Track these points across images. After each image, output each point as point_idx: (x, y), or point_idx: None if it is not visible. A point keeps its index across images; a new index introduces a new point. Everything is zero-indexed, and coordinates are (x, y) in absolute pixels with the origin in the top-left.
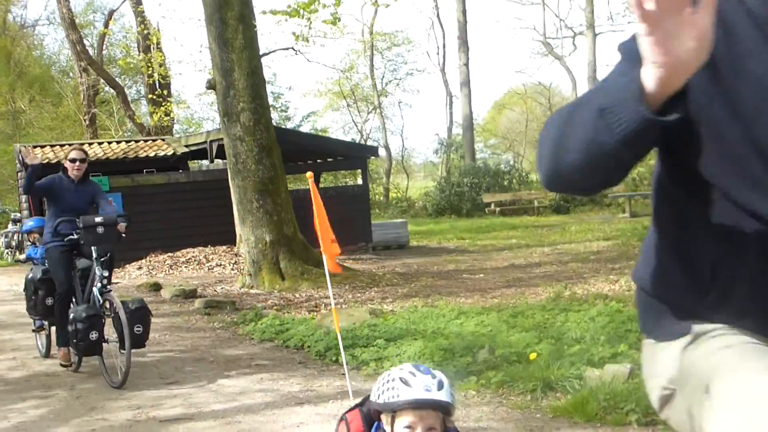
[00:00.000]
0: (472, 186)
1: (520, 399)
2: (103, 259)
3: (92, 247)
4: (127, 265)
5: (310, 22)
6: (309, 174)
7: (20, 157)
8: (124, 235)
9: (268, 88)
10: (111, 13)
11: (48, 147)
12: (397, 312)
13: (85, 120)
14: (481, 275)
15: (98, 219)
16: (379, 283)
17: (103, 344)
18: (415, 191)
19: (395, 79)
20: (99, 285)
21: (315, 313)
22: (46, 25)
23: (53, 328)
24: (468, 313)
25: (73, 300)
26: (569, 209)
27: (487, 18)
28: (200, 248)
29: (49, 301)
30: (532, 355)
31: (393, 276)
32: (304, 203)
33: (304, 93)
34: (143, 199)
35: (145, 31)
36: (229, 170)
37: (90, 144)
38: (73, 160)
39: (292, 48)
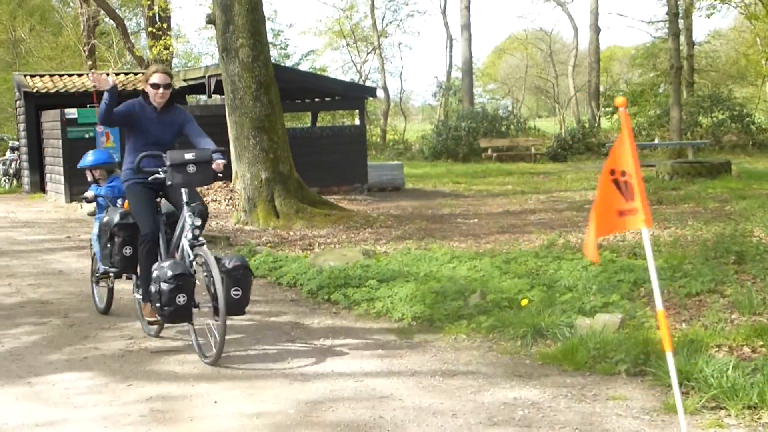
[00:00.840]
0: (469, 130)
1: (510, 344)
2: (194, 204)
3: (182, 190)
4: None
5: None
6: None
7: (18, 86)
8: (221, 174)
9: (268, 24)
10: None
11: (47, 76)
12: (390, 254)
13: (84, 51)
14: (475, 220)
15: (189, 155)
16: (373, 225)
17: (194, 309)
18: (413, 134)
19: (396, 19)
20: (189, 236)
21: (308, 252)
22: None
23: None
24: (461, 257)
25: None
26: (566, 157)
27: None
28: None
29: (128, 250)
30: (524, 302)
31: (387, 218)
32: (300, 141)
33: (303, 31)
34: None
35: None
36: (226, 106)
37: (89, 74)
38: (155, 86)
39: None
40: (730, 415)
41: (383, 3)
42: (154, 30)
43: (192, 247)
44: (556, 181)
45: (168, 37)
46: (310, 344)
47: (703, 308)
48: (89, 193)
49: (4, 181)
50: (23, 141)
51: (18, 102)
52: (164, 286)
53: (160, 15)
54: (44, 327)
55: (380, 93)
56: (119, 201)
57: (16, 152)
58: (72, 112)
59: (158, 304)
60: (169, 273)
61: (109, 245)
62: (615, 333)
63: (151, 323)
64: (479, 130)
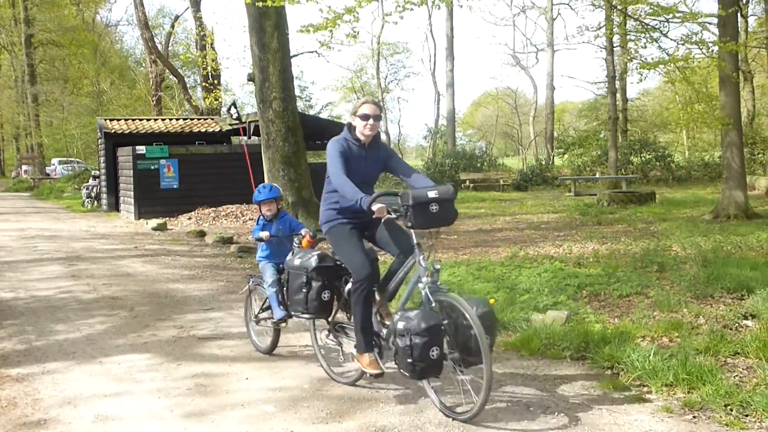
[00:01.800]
0: (452, 166)
1: None
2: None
3: (412, 231)
4: (180, 216)
5: (332, 34)
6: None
7: (100, 128)
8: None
9: (296, 82)
10: (176, 17)
11: (123, 120)
12: (386, 263)
13: (152, 101)
14: (455, 236)
15: (432, 193)
16: None
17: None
18: None
19: (395, 79)
20: (428, 280)
21: None
22: (126, 24)
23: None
24: (443, 265)
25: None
26: (527, 187)
27: (469, 34)
28: (237, 205)
29: (326, 295)
30: (491, 301)
31: None
32: (320, 173)
33: (323, 87)
34: (195, 165)
35: (202, 33)
36: (262, 145)
37: (156, 120)
38: (365, 117)
39: (316, 52)
40: (651, 392)
41: (386, 66)
42: (207, 85)
43: (432, 291)
44: (519, 206)
45: (218, 91)
46: (323, 332)
47: (631, 307)
48: (264, 234)
49: (87, 202)
50: (102, 170)
51: (99, 140)
52: (416, 339)
53: (212, 73)
54: (113, 318)
55: (383, 136)
56: (291, 239)
57: (97, 180)
58: (141, 149)
59: (409, 360)
60: (422, 325)
61: (304, 290)
62: (562, 326)
63: (373, 375)
64: (460, 165)
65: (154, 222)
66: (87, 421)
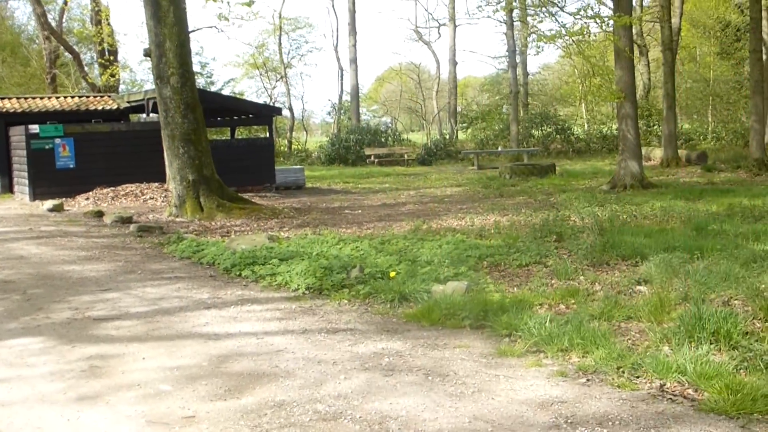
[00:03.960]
0: (356, 141)
1: (381, 307)
2: None
3: None
4: (78, 197)
5: (229, 5)
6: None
7: None
8: None
9: (196, 58)
10: None
11: (15, 99)
12: (290, 238)
13: (47, 79)
14: (359, 211)
15: None
16: (278, 216)
17: None
18: (312, 144)
19: (298, 54)
20: None
21: (226, 238)
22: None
23: None
24: (346, 240)
25: None
26: (432, 162)
27: (372, 9)
28: (137, 184)
29: None
30: (392, 274)
31: (290, 210)
32: (221, 150)
33: (225, 63)
34: (92, 143)
35: (97, 8)
36: (161, 122)
37: (50, 98)
38: None
39: (216, 27)
40: (547, 357)
41: (288, 42)
42: (103, 61)
43: None
44: (423, 180)
45: (115, 67)
46: (224, 310)
47: (530, 276)
48: None
49: None
50: None
51: None
52: None
53: (108, 49)
54: (5, 301)
55: (286, 112)
56: None
57: None
58: (35, 128)
59: None
60: None
61: None
62: (462, 296)
63: None
64: (364, 141)
65: (50, 203)
66: None
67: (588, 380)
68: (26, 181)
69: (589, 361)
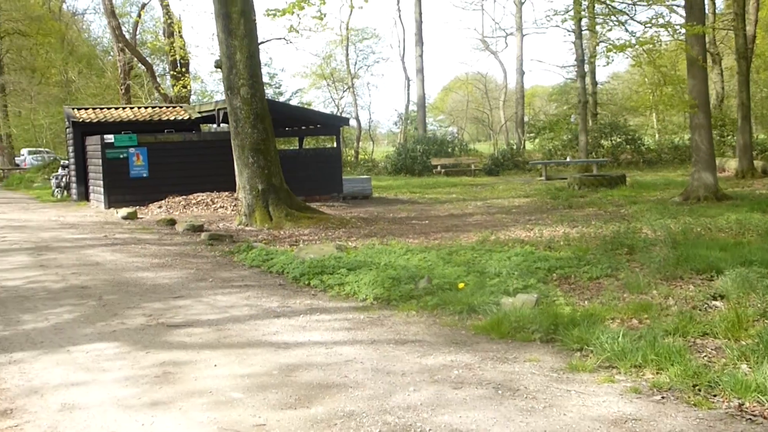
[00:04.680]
0: (423, 151)
1: (450, 319)
2: None
3: None
4: (150, 205)
5: (299, 18)
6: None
7: (68, 117)
8: None
9: (265, 69)
10: (143, 5)
11: (90, 109)
12: (358, 248)
13: (121, 90)
14: (426, 221)
15: None
16: (345, 225)
17: None
18: (379, 154)
19: (365, 65)
20: None
21: (294, 247)
22: (93, 13)
23: None
24: (413, 250)
25: None
26: (499, 172)
27: (438, 19)
28: (208, 193)
29: None
30: (461, 285)
31: (357, 220)
32: (290, 160)
33: (293, 74)
34: (164, 153)
35: (169, 21)
36: (231, 133)
37: (124, 108)
38: None
39: (285, 38)
40: (620, 373)
41: (355, 52)
42: (175, 73)
43: None
44: (490, 190)
45: (187, 79)
46: (293, 319)
47: (601, 289)
48: None
49: (57, 191)
50: (72, 160)
51: (68, 129)
52: None
53: (180, 61)
54: (82, 307)
55: (353, 122)
56: None
57: (66, 169)
58: (110, 137)
59: None
60: None
61: None
62: (532, 309)
63: None
64: (431, 151)
65: (124, 211)
66: (53, 410)
67: (663, 398)
68: (101, 190)
69: (663, 378)
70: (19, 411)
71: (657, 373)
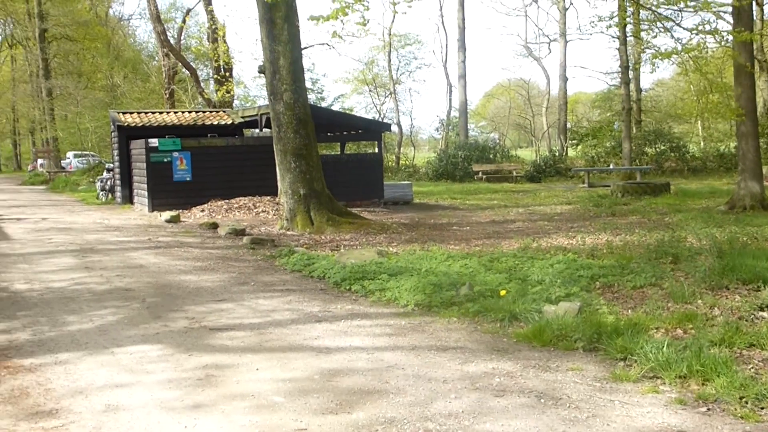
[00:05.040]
0: (464, 157)
1: (491, 326)
2: None
3: None
4: (193, 208)
5: (343, 24)
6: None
7: (113, 121)
8: None
9: (307, 74)
10: (188, 11)
11: (135, 113)
12: (399, 254)
13: (165, 94)
14: (467, 228)
15: None
16: (386, 231)
17: None
18: (420, 160)
19: (407, 71)
20: None
21: (335, 252)
22: (138, 18)
23: None
24: (455, 257)
25: None
26: (541, 179)
27: (481, 25)
28: (249, 197)
29: None
30: (502, 292)
31: (398, 225)
32: (331, 165)
33: (335, 79)
34: (207, 157)
35: (214, 26)
36: (273, 137)
37: (168, 113)
38: None
39: (327, 44)
40: (664, 383)
41: (397, 58)
42: (219, 78)
43: None
44: (532, 197)
45: (230, 84)
46: (334, 324)
47: (645, 298)
48: None
49: (102, 194)
50: (116, 163)
51: (113, 133)
52: None
53: (224, 66)
54: (126, 309)
55: (394, 128)
56: None
57: (110, 172)
58: (154, 142)
59: None
60: None
61: None
62: (574, 317)
63: None
64: (472, 157)
65: (167, 214)
66: (97, 410)
67: (708, 409)
68: (145, 193)
69: (709, 389)
70: (65, 411)
71: (702, 384)
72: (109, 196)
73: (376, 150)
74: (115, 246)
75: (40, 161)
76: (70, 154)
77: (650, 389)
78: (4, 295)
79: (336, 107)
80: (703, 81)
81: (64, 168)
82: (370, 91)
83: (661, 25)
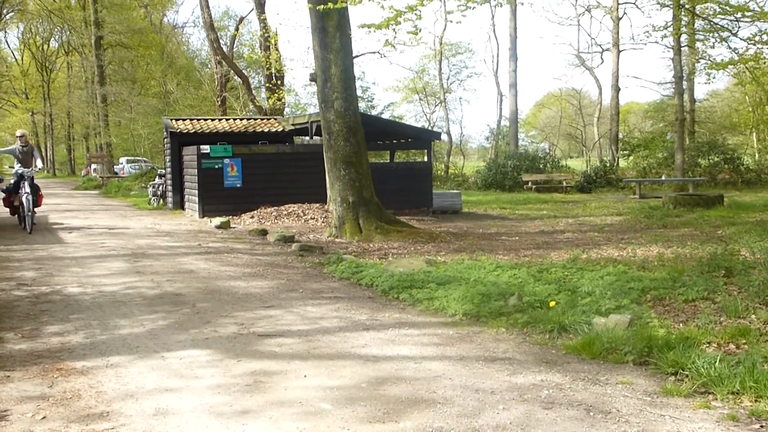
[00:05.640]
0: (514, 167)
1: (540, 337)
2: None
3: None
4: (243, 215)
5: (395, 33)
6: None
7: (166, 127)
8: None
9: (358, 83)
10: (241, 19)
11: (188, 120)
12: (447, 263)
13: (217, 101)
14: (516, 238)
15: None
16: (435, 240)
17: None
18: (469, 169)
19: (457, 80)
20: None
21: (384, 260)
22: (192, 26)
23: None
24: (503, 267)
25: None
26: (591, 189)
27: (533, 34)
28: (299, 204)
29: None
30: (552, 303)
31: (447, 235)
32: (381, 173)
33: (386, 88)
34: (257, 164)
35: (266, 34)
36: (324, 145)
37: (220, 120)
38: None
39: (378, 52)
40: (717, 399)
41: (448, 67)
42: (270, 86)
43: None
44: (582, 208)
45: (281, 91)
46: (382, 332)
47: (697, 312)
48: None
49: (153, 200)
50: (168, 169)
51: (165, 139)
52: None
53: (275, 74)
54: (176, 313)
55: (444, 137)
56: None
57: (162, 178)
58: (206, 148)
59: None
60: None
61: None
62: (624, 330)
63: None
64: (522, 166)
65: (217, 220)
66: (148, 414)
67: (762, 426)
68: (196, 199)
69: (762, 405)
70: (115, 414)
71: (756, 400)
72: (161, 201)
73: (426, 158)
74: (166, 251)
75: (93, 166)
76: (122, 159)
77: (702, 405)
78: (57, 298)
79: (386, 115)
80: (760, 92)
81: (116, 173)
82: (420, 99)
83: (717, 35)
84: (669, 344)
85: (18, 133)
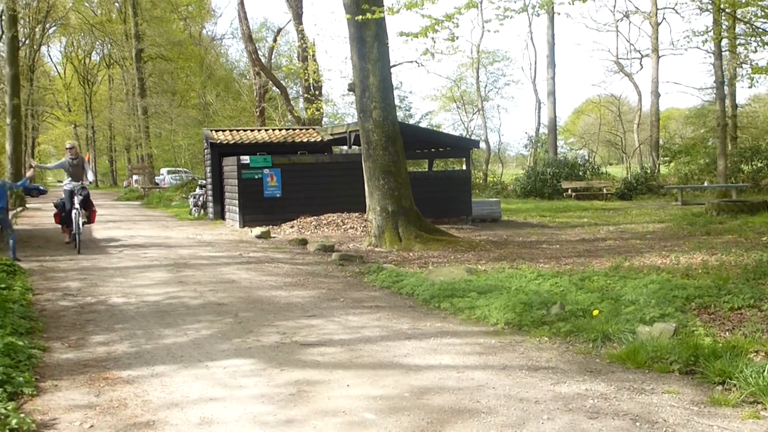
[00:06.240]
0: (553, 174)
1: (583, 346)
2: None
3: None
4: (283, 224)
5: (434, 41)
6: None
7: (206, 138)
8: None
9: (395, 92)
10: (279, 30)
11: (228, 131)
12: (488, 271)
13: (256, 112)
14: (557, 246)
15: None
16: (475, 248)
17: None
18: (508, 177)
19: (495, 88)
20: None
21: (424, 269)
22: (230, 38)
23: None
24: (545, 275)
25: None
26: (632, 196)
27: (571, 40)
28: (338, 214)
29: None
30: (595, 312)
31: (486, 243)
32: (420, 182)
33: (423, 96)
34: (297, 174)
35: (304, 45)
36: (362, 155)
37: (259, 130)
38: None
39: (416, 61)
40: (765, 409)
41: (485, 75)
42: (309, 96)
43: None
44: (623, 215)
45: (319, 102)
46: (424, 342)
47: (743, 320)
48: None
49: (194, 210)
50: (209, 180)
51: (206, 150)
52: None
53: (313, 84)
54: (219, 323)
55: (482, 145)
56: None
57: (203, 188)
58: (246, 159)
59: None
60: None
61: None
62: (670, 339)
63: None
64: (561, 174)
65: (258, 230)
66: (193, 423)
67: None
68: (236, 209)
69: None
70: (161, 423)
71: None
72: (201, 211)
73: (464, 167)
74: (208, 261)
75: (134, 177)
76: (163, 170)
77: (750, 414)
78: (102, 308)
79: (424, 124)
80: None
81: (158, 184)
82: (457, 107)
83: (759, 39)
84: (715, 353)
85: (68, 144)
